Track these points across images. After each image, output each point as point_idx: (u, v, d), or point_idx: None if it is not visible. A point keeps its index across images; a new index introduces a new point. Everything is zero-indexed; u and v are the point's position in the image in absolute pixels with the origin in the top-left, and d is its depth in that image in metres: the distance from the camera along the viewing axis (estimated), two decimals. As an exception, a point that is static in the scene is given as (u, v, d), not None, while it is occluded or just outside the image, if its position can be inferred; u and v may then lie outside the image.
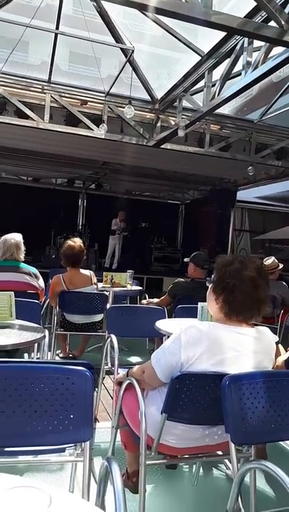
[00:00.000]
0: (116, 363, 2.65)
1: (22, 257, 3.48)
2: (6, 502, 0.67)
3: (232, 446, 1.54)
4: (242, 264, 1.69)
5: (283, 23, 3.42)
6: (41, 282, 3.58)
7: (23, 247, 3.49)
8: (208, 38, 4.85)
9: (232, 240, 11.91)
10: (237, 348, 1.65)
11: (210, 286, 1.81)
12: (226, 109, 6.58)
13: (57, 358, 4.13)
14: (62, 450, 1.54)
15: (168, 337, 2.21)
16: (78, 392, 1.38)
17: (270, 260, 5.06)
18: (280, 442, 2.77)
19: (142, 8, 3.37)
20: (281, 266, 5.10)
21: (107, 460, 1.22)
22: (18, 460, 1.67)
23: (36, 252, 9.83)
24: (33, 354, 2.84)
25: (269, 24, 3.57)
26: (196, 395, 1.65)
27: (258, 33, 3.49)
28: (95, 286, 4.15)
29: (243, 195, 11.75)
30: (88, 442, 1.40)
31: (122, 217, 11.12)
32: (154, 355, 1.75)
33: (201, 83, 5.33)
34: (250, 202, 12.78)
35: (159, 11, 3.20)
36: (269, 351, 1.73)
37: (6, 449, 1.47)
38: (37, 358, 2.71)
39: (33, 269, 3.55)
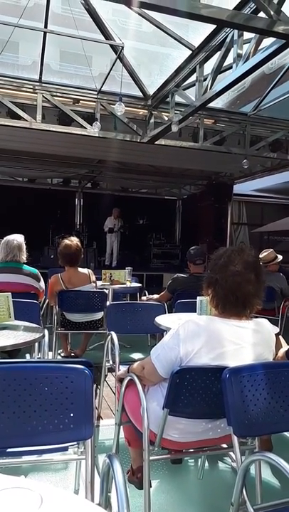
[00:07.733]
0: (117, 360, 2.65)
1: (24, 258, 3.50)
2: None
3: (235, 438, 1.53)
4: (229, 258, 1.69)
5: (272, 13, 3.42)
6: (42, 284, 3.60)
7: (24, 249, 3.50)
8: (198, 33, 4.82)
9: (230, 234, 11.91)
10: (236, 341, 1.64)
11: None
12: (219, 103, 6.58)
13: (59, 358, 4.13)
14: (66, 449, 1.54)
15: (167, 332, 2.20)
16: (78, 391, 1.37)
17: (266, 253, 5.03)
18: (285, 433, 2.78)
19: (128, 3, 3.34)
20: (280, 258, 5.07)
21: (108, 457, 1.21)
22: (22, 460, 1.67)
23: (35, 253, 9.76)
24: (34, 354, 2.84)
25: (258, 15, 3.56)
26: (196, 389, 1.65)
27: (248, 24, 3.48)
28: (94, 285, 4.15)
29: (239, 188, 11.76)
30: (90, 440, 1.39)
31: (116, 214, 11.00)
32: (154, 351, 1.74)
33: (193, 78, 5.31)
34: (247, 195, 12.79)
35: (148, 6, 3.20)
36: (269, 343, 1.73)
37: (9, 449, 1.46)
38: (38, 358, 2.71)
39: (35, 271, 3.56)
